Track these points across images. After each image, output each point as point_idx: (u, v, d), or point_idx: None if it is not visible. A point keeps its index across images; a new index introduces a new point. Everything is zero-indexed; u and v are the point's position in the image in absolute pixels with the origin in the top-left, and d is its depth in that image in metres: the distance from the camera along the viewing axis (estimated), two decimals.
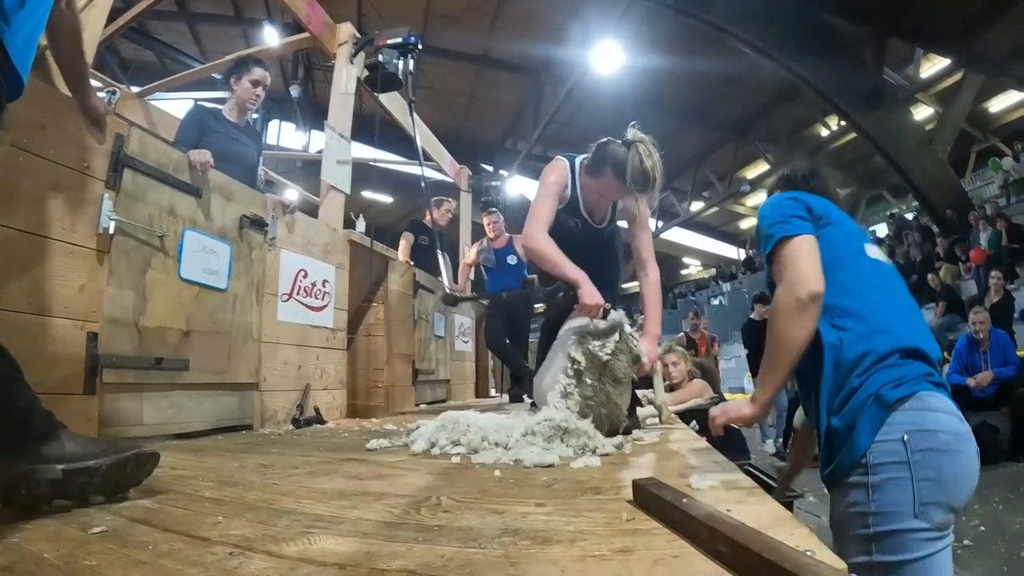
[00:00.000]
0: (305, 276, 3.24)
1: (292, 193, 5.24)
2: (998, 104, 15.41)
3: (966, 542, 3.31)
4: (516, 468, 1.52)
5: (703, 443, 1.75)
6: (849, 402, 1.41)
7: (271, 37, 13.26)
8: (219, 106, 3.43)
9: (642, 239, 2.69)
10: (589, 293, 2.24)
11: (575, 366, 2.02)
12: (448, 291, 3.59)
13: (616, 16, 12.25)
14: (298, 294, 3.18)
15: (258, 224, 2.95)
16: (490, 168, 18.81)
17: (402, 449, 1.94)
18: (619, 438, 1.84)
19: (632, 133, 2.40)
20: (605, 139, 2.48)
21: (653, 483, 1.06)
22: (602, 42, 12.66)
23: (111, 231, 2.17)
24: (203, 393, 2.60)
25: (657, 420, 2.70)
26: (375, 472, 1.53)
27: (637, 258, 2.71)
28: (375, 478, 1.44)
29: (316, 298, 3.31)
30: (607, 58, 12.99)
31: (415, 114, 4.16)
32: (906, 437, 1.33)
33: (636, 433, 2.15)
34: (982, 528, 3.52)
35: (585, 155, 2.58)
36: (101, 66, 4.96)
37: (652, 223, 23.33)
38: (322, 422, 3.08)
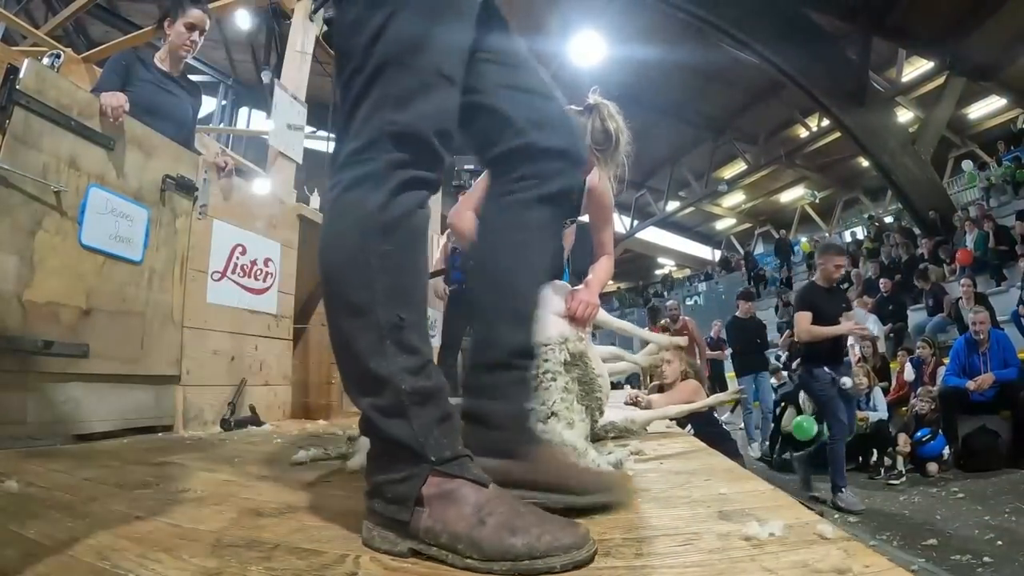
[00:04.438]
0: (243, 252, 2.76)
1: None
2: (978, 111, 15.41)
3: (985, 559, 2.99)
4: None
5: (726, 460, 1.36)
6: None
7: (242, 18, 12.64)
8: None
9: (606, 234, 2.37)
10: None
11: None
12: None
13: (599, 5, 11.89)
14: (233, 273, 2.70)
15: (185, 187, 2.48)
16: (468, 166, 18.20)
17: (337, 464, 1.50)
18: (615, 453, 1.43)
19: (593, 98, 2.05)
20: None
21: None
22: (582, 33, 12.28)
23: None
24: (108, 386, 2.15)
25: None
26: (285, 501, 1.09)
27: (600, 249, 2.37)
28: (280, 513, 1.00)
29: (256, 279, 2.83)
30: (587, 50, 12.63)
31: None
32: None
33: (632, 443, 1.74)
34: (999, 543, 3.20)
35: None
36: (70, 47, 4.51)
37: (627, 221, 23.08)
38: (258, 423, 2.62)
